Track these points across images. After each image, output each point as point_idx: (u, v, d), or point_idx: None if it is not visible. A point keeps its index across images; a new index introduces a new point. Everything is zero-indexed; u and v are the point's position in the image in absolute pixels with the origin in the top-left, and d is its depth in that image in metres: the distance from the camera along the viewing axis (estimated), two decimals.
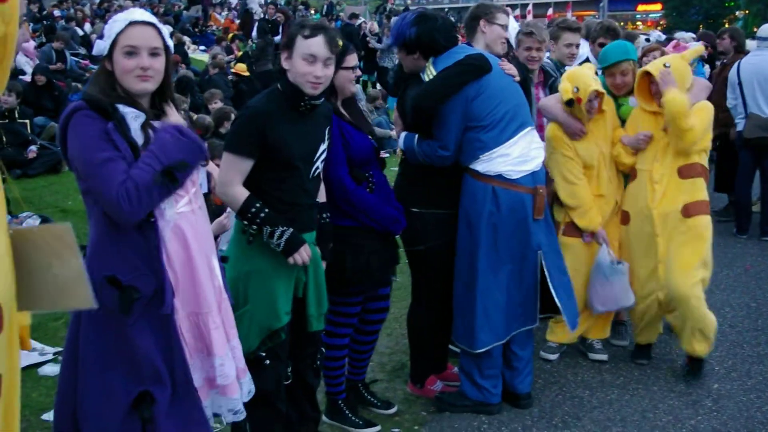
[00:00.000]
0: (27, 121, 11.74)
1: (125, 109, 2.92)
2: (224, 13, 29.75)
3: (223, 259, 3.41)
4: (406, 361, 5.29)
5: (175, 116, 3.09)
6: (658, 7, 58.82)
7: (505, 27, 5.23)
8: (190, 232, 3.04)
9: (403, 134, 4.73)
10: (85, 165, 2.84)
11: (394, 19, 27.98)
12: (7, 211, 2.45)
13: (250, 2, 30.03)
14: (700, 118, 4.92)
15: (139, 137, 2.92)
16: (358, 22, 25.34)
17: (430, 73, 4.53)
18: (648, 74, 5.03)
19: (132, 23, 2.95)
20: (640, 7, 60.11)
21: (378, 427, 4.60)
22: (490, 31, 5.14)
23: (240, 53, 20.89)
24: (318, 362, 4.16)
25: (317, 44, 3.62)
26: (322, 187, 4.02)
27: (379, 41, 20.62)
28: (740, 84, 8.64)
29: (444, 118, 4.49)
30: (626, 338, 5.84)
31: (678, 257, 4.98)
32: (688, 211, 4.99)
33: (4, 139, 10.92)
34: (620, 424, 4.67)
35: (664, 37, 14.22)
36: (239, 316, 3.51)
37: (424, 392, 5.01)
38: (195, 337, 3.09)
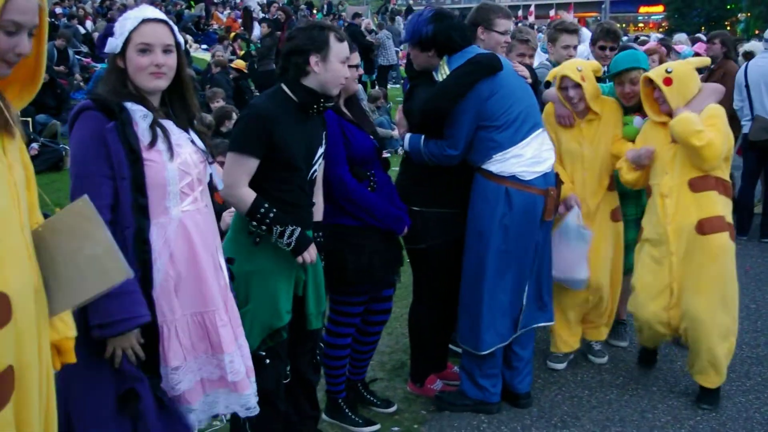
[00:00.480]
0: (29, 119, 11.73)
1: (133, 107, 2.94)
2: (226, 12, 29.76)
3: (228, 261, 3.42)
4: (406, 360, 5.30)
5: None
6: (659, 9, 58.84)
7: (505, 32, 5.24)
8: (195, 230, 3.05)
9: (408, 135, 4.70)
10: (71, 169, 2.92)
11: (398, 19, 28.09)
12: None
13: (249, 0, 30.06)
14: (716, 127, 4.60)
15: (146, 136, 2.93)
16: (363, 23, 25.36)
17: (444, 71, 4.51)
18: (650, 81, 4.83)
19: (145, 20, 2.98)
20: (642, 9, 60.15)
21: (377, 426, 4.61)
22: (489, 38, 5.16)
23: (242, 52, 20.91)
24: (317, 359, 4.17)
25: (347, 47, 3.72)
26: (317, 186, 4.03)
27: (368, 48, 20.49)
28: (747, 86, 8.63)
29: (456, 117, 4.45)
30: (625, 339, 5.85)
31: (695, 277, 4.68)
32: (702, 227, 4.64)
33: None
34: (619, 424, 4.68)
35: (683, 38, 14.22)
36: (241, 316, 3.52)
37: (424, 391, 5.01)
38: (198, 337, 3.09)
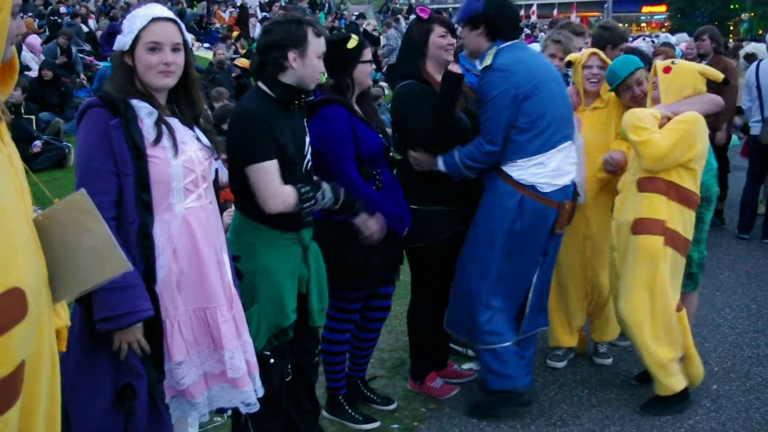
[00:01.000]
0: (32, 116, 11.77)
1: (139, 104, 2.96)
2: (228, 11, 29.76)
3: (234, 258, 3.43)
4: (406, 358, 5.30)
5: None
6: (662, 8, 58.87)
7: None
8: (199, 226, 3.06)
9: (440, 159, 4.57)
10: (77, 166, 2.94)
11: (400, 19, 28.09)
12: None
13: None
14: (674, 131, 4.49)
15: (151, 133, 2.95)
16: (364, 24, 25.44)
17: (488, 60, 4.41)
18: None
19: (155, 19, 2.99)
20: (645, 9, 60.15)
21: (377, 423, 4.62)
22: None
23: (244, 51, 20.92)
24: (317, 357, 4.18)
25: (324, 42, 3.69)
26: None
27: (376, 41, 20.47)
28: (759, 87, 8.60)
29: (492, 112, 4.38)
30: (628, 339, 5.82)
31: (625, 277, 4.72)
32: (635, 227, 4.62)
33: (10, 133, 10.94)
34: (619, 423, 4.68)
35: (673, 38, 14.17)
36: (247, 316, 3.52)
37: (424, 389, 5.02)
38: (200, 332, 3.11)
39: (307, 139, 3.76)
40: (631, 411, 4.81)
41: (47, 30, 18.72)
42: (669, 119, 4.55)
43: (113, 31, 19.94)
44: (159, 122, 2.99)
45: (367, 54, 4.27)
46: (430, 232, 4.65)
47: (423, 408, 4.88)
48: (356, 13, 31.51)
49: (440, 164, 4.56)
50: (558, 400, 4.99)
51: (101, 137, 2.88)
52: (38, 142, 11.20)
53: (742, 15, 47.35)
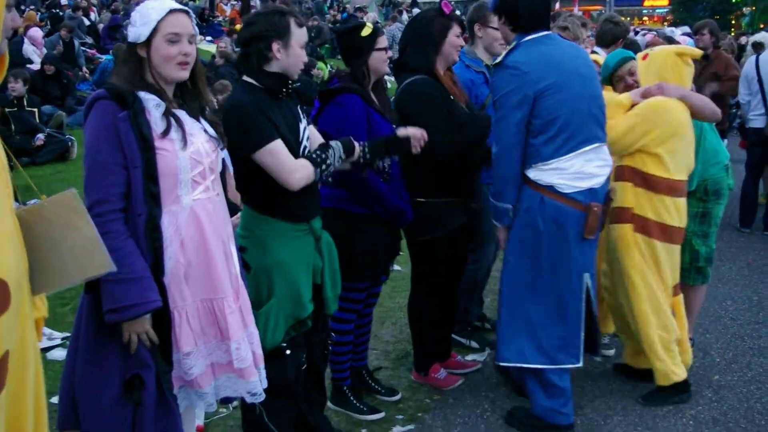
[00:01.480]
0: (35, 109, 11.75)
1: (147, 96, 2.97)
2: (230, 4, 29.73)
3: (241, 249, 3.45)
4: (410, 350, 5.32)
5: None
6: (664, 2, 58.62)
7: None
8: (206, 218, 3.08)
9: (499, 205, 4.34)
10: (85, 158, 2.94)
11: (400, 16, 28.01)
12: (14, 198, 2.51)
13: None
14: (632, 116, 4.62)
15: (159, 125, 2.96)
16: (365, 17, 25.33)
17: (500, 56, 4.22)
18: None
19: (172, 11, 3.01)
20: (647, 2, 59.92)
21: (382, 414, 4.64)
22: (485, 34, 5.24)
23: None
24: (329, 348, 4.21)
25: (306, 32, 3.69)
26: None
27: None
28: (760, 80, 8.61)
29: (502, 112, 4.17)
30: None
31: (609, 266, 4.90)
32: (611, 216, 4.66)
33: (13, 126, 10.96)
34: (621, 413, 4.71)
35: (678, 31, 14.12)
36: (265, 311, 3.55)
37: (428, 380, 5.04)
38: (207, 323, 3.13)
39: (302, 125, 3.72)
40: (634, 402, 4.84)
41: (49, 23, 18.69)
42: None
43: (115, 24, 20.07)
44: (167, 114, 3.00)
45: (382, 42, 4.25)
46: (434, 226, 4.66)
47: (427, 399, 4.90)
48: (357, 5, 31.42)
49: (497, 224, 4.44)
50: None
51: (109, 130, 2.89)
52: (41, 135, 11.19)
53: (744, 9, 47.20)
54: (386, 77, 4.76)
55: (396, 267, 6.33)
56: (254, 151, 3.45)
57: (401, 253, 4.66)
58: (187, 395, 3.21)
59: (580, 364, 4.37)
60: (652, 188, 4.65)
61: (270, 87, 3.57)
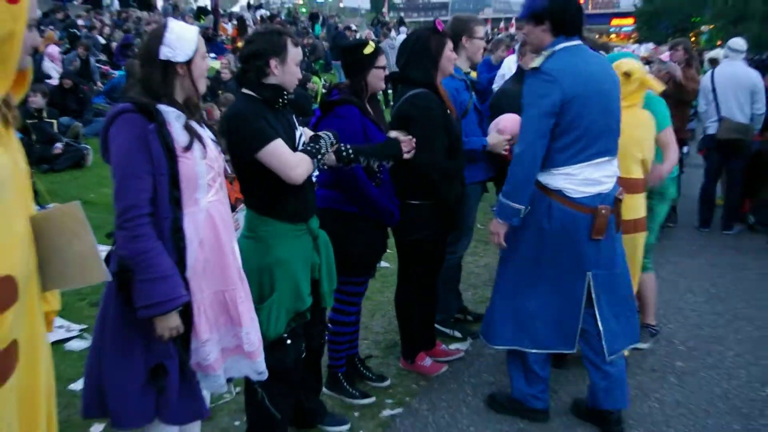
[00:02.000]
0: (54, 120, 11.73)
1: (167, 109, 2.98)
2: (231, 23, 29.76)
3: None
4: (398, 340, 5.31)
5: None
6: (630, 21, 59.01)
7: (483, 38, 5.34)
8: (219, 218, 3.10)
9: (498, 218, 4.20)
10: (116, 167, 2.91)
11: (395, 34, 28.05)
12: (35, 202, 2.53)
13: (242, 11, 30.00)
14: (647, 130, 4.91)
15: (183, 137, 2.99)
16: (352, 36, 25.46)
17: (537, 62, 4.01)
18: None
19: (198, 32, 3.10)
20: (614, 21, 60.31)
21: (373, 399, 4.64)
22: (471, 45, 5.27)
23: None
24: (325, 338, 4.21)
25: (301, 51, 3.69)
26: None
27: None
28: (714, 90, 8.64)
29: (530, 113, 3.99)
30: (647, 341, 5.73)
31: None
32: None
33: (34, 136, 10.93)
34: None
35: (642, 48, 14.16)
36: (268, 305, 3.56)
37: (415, 367, 5.04)
38: (219, 312, 3.14)
39: (297, 132, 3.71)
40: None
41: (67, 42, 18.67)
42: None
43: (127, 43, 20.05)
44: (188, 127, 3.04)
45: (381, 60, 4.25)
46: (423, 226, 4.65)
47: (414, 384, 4.90)
48: (347, 25, 31.45)
49: (501, 221, 4.18)
50: None
51: (139, 140, 2.89)
52: (59, 144, 11.17)
53: (703, 27, 47.49)
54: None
55: (384, 264, 6.33)
56: (257, 151, 3.43)
57: (388, 251, 4.66)
58: (201, 378, 3.22)
59: (574, 351, 4.28)
60: (633, 191, 4.73)
61: (267, 98, 3.56)
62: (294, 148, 3.59)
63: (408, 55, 4.64)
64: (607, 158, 4.06)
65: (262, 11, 35.75)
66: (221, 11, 31.45)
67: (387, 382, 4.87)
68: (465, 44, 5.20)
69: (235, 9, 29.91)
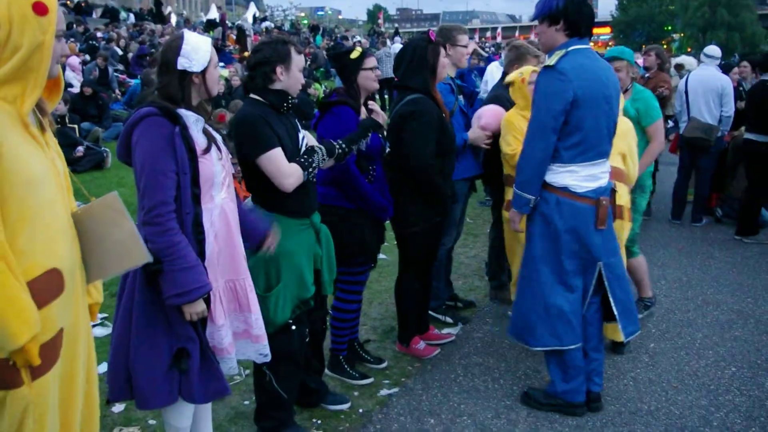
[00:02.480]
0: (75, 126, 11.77)
1: (186, 113, 3.01)
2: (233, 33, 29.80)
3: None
4: (394, 325, 5.34)
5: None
6: (607, 30, 59.03)
7: (466, 46, 5.37)
8: (230, 213, 3.14)
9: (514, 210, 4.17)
10: (143, 167, 2.92)
11: (392, 43, 28.06)
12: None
13: (242, 20, 29.92)
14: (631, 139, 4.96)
15: (202, 139, 3.02)
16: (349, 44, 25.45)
17: (553, 60, 3.90)
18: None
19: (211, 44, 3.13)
20: (592, 30, 60.32)
21: (371, 379, 4.65)
22: (455, 52, 5.28)
23: None
24: (326, 323, 4.21)
25: (303, 58, 3.72)
26: None
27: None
28: (687, 93, 8.65)
29: (539, 108, 3.91)
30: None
31: None
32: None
33: (57, 141, 10.94)
34: None
35: None
36: (275, 293, 3.57)
37: (410, 351, 5.05)
38: (230, 299, 3.18)
39: (300, 134, 3.72)
40: None
41: (87, 53, 18.65)
42: None
43: (142, 53, 20.01)
44: (207, 131, 3.07)
45: (369, 62, 4.25)
46: (420, 219, 4.67)
47: (409, 366, 4.91)
48: (343, 34, 31.47)
49: (516, 211, 4.14)
50: (522, 357, 5.03)
51: (166, 142, 2.91)
52: (81, 148, 11.17)
53: (674, 35, 47.58)
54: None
55: (382, 256, 6.35)
56: (257, 156, 3.45)
57: (386, 243, 4.67)
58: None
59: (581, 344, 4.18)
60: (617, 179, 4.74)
61: (273, 103, 3.58)
62: (297, 149, 3.62)
63: (407, 64, 4.65)
64: (604, 159, 4.06)
65: (267, 23, 35.77)
66: (228, 24, 31.44)
67: (384, 364, 4.88)
68: (449, 51, 5.21)
69: (247, 21, 29.88)
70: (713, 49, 8.98)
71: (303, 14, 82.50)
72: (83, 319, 2.55)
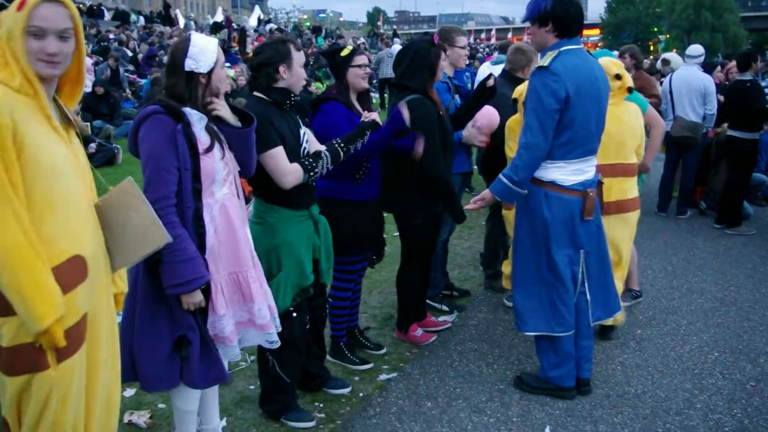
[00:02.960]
0: (88, 123, 11.77)
1: (190, 111, 3.00)
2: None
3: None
4: (393, 313, 5.34)
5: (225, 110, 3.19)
6: (596, 31, 58.96)
7: (464, 47, 5.34)
8: (232, 208, 3.12)
9: (486, 192, 4.14)
10: (147, 162, 2.93)
11: (392, 46, 28.10)
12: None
13: (245, 22, 29.83)
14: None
15: (205, 137, 3.01)
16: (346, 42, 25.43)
17: (546, 61, 3.85)
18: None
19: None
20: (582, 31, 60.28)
21: (371, 365, 4.65)
22: (453, 53, 5.25)
23: None
24: (326, 310, 4.22)
25: (304, 54, 3.71)
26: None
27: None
28: (671, 92, 8.65)
29: (533, 107, 3.86)
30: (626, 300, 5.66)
31: None
32: None
33: None
34: None
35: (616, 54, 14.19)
36: (276, 282, 3.57)
37: (408, 337, 5.05)
38: (232, 290, 3.17)
39: (302, 131, 3.72)
40: None
41: (99, 54, 18.63)
42: None
43: (151, 54, 19.99)
44: (210, 129, 3.05)
45: (358, 60, 4.21)
46: (422, 210, 4.66)
47: (407, 352, 4.91)
48: (338, 34, 31.44)
49: (496, 193, 4.07)
50: (515, 343, 5.03)
51: (169, 139, 2.91)
52: (93, 145, 11.16)
53: (660, 36, 47.53)
54: (372, 94, 4.74)
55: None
56: (259, 153, 3.44)
57: (384, 235, 4.66)
58: (220, 349, 3.25)
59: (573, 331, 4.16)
60: (629, 174, 4.80)
61: (277, 100, 3.58)
62: (299, 145, 3.62)
63: (408, 64, 4.61)
64: (591, 156, 4.04)
65: (271, 25, 35.70)
66: (234, 26, 31.38)
67: (383, 351, 4.87)
68: (448, 52, 5.20)
69: (249, 24, 29.85)
70: (695, 49, 8.95)
71: (305, 16, 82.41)
72: (107, 307, 2.56)
